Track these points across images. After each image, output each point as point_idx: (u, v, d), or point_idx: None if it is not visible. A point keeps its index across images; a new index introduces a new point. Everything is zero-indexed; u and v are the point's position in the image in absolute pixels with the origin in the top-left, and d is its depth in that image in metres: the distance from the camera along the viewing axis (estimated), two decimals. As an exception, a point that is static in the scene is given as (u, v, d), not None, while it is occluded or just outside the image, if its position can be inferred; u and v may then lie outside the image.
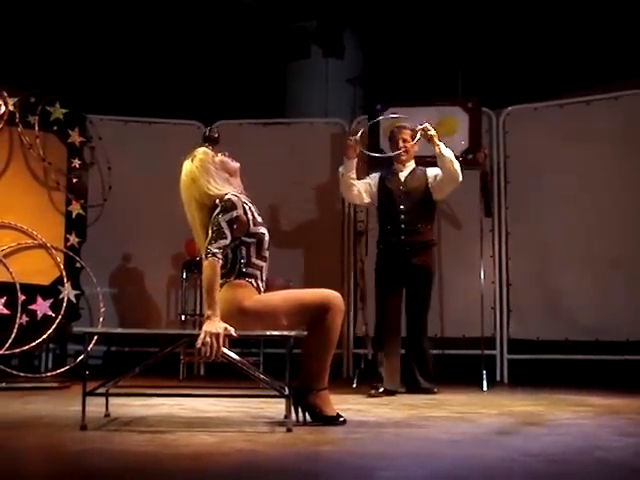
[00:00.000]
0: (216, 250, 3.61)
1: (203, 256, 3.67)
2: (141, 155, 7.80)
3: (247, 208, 3.77)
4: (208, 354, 3.46)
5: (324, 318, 3.67)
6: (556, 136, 7.36)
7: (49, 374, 6.41)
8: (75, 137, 6.80)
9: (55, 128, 6.68)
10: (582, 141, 7.22)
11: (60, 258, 6.51)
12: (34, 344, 6.24)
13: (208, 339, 3.45)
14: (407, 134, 5.85)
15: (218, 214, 3.68)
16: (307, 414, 3.76)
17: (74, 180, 6.76)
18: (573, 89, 7.77)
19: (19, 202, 6.41)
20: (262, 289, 3.81)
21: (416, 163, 5.96)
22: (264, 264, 3.83)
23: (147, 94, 9.27)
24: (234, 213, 3.68)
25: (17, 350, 6.13)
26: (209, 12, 9.46)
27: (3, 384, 5.72)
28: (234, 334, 3.50)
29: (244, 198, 3.83)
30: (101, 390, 3.70)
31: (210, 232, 3.66)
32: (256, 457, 2.89)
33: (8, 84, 6.44)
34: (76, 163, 6.77)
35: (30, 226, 6.36)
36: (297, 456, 2.97)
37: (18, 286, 6.17)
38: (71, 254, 6.60)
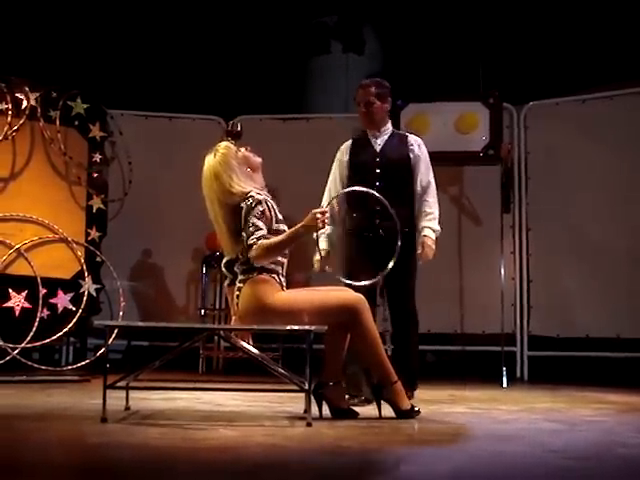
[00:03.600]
0: (253, 240, 3.65)
1: (241, 255, 3.72)
2: (161, 150, 7.82)
3: (269, 205, 3.78)
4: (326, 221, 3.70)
5: (359, 322, 3.71)
6: (578, 132, 7.31)
7: (70, 367, 6.44)
8: (96, 132, 6.82)
9: (76, 123, 6.70)
10: (604, 137, 7.17)
11: (81, 252, 6.54)
12: (55, 337, 6.27)
13: (318, 221, 3.64)
14: (370, 93, 4.89)
15: (247, 214, 3.70)
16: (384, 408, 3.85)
17: (95, 175, 6.78)
18: (595, 84, 7.71)
19: (40, 196, 6.43)
20: (284, 284, 3.81)
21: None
22: (285, 260, 3.83)
23: (168, 89, 9.29)
24: (259, 207, 3.71)
25: (38, 343, 6.16)
26: (231, 7, 9.47)
27: (24, 377, 5.77)
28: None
29: (265, 195, 3.83)
30: (122, 383, 3.72)
31: (245, 233, 3.69)
32: (276, 451, 2.89)
33: (30, 79, 6.47)
34: (97, 158, 6.79)
35: (51, 220, 6.39)
36: (317, 450, 2.97)
37: (39, 280, 6.20)
38: (92, 248, 6.62)
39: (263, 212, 3.71)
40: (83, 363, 6.39)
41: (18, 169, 6.37)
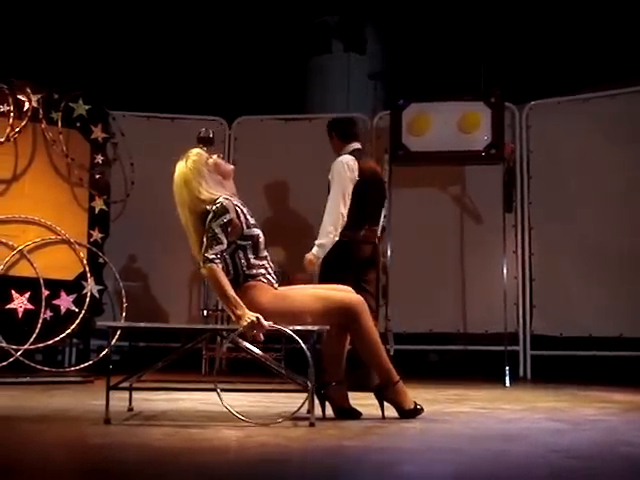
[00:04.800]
0: (212, 256, 3.60)
1: (201, 263, 3.65)
2: (163, 151, 7.78)
3: (239, 211, 3.74)
4: (258, 339, 3.53)
5: (358, 323, 3.70)
6: (580, 131, 7.30)
7: (73, 369, 6.44)
8: (98, 133, 6.82)
9: (78, 124, 6.70)
10: (607, 135, 7.16)
11: (83, 253, 6.54)
12: (58, 339, 6.27)
13: (252, 328, 3.48)
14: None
15: (211, 220, 3.66)
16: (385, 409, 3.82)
17: (97, 176, 6.79)
18: (597, 83, 7.70)
19: (43, 198, 6.44)
20: (274, 281, 3.80)
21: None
22: (265, 262, 3.80)
23: (169, 90, 9.30)
24: (226, 217, 3.65)
25: (41, 345, 6.16)
26: (231, 8, 9.47)
27: (27, 378, 5.77)
28: (266, 324, 3.51)
29: (236, 201, 3.79)
30: (125, 384, 3.72)
31: (205, 239, 3.65)
32: (279, 451, 2.89)
33: (32, 81, 6.47)
34: (99, 159, 6.79)
35: (54, 222, 6.39)
36: (320, 450, 2.97)
37: (42, 281, 6.20)
38: (94, 249, 6.63)
39: (230, 221, 3.66)
40: (86, 364, 6.39)
41: (20, 171, 6.38)
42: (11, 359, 5.96)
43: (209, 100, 9.05)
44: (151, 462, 2.66)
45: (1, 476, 2.37)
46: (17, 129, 6.27)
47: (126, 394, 3.90)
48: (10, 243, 6.18)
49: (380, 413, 3.82)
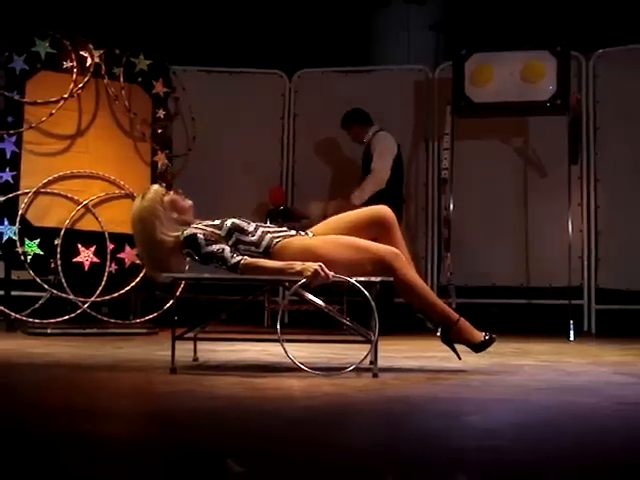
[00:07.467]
0: (234, 260, 3.62)
1: (236, 272, 3.66)
2: (224, 105, 7.82)
3: (202, 226, 3.75)
4: (323, 282, 3.49)
5: (397, 279, 3.62)
6: (649, 80, 7.08)
7: (138, 320, 6.55)
8: (159, 88, 6.84)
9: (140, 79, 6.73)
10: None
11: (147, 208, 6.60)
12: (123, 291, 6.39)
13: (318, 277, 3.47)
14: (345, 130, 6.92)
15: (198, 252, 3.67)
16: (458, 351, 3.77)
17: (159, 131, 6.83)
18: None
19: (107, 153, 6.50)
20: (288, 231, 3.81)
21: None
22: (261, 229, 3.78)
23: (229, 44, 9.28)
24: (199, 238, 3.67)
25: (107, 297, 6.29)
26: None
27: (95, 330, 5.91)
28: (330, 273, 3.50)
29: (194, 226, 3.79)
30: (189, 335, 3.78)
31: (215, 262, 3.67)
32: (344, 400, 2.92)
33: (93, 36, 6.51)
34: (161, 114, 6.83)
35: (117, 176, 6.46)
36: (384, 399, 2.98)
37: (107, 235, 6.31)
38: (157, 204, 6.69)
39: (204, 236, 3.68)
40: (151, 316, 6.49)
41: (84, 126, 6.43)
42: (79, 311, 6.10)
43: (269, 53, 9.01)
44: (218, 409, 2.70)
45: (75, 421, 2.43)
46: (80, 85, 6.33)
47: (190, 345, 3.96)
48: (75, 198, 6.28)
49: (443, 365, 3.81)
